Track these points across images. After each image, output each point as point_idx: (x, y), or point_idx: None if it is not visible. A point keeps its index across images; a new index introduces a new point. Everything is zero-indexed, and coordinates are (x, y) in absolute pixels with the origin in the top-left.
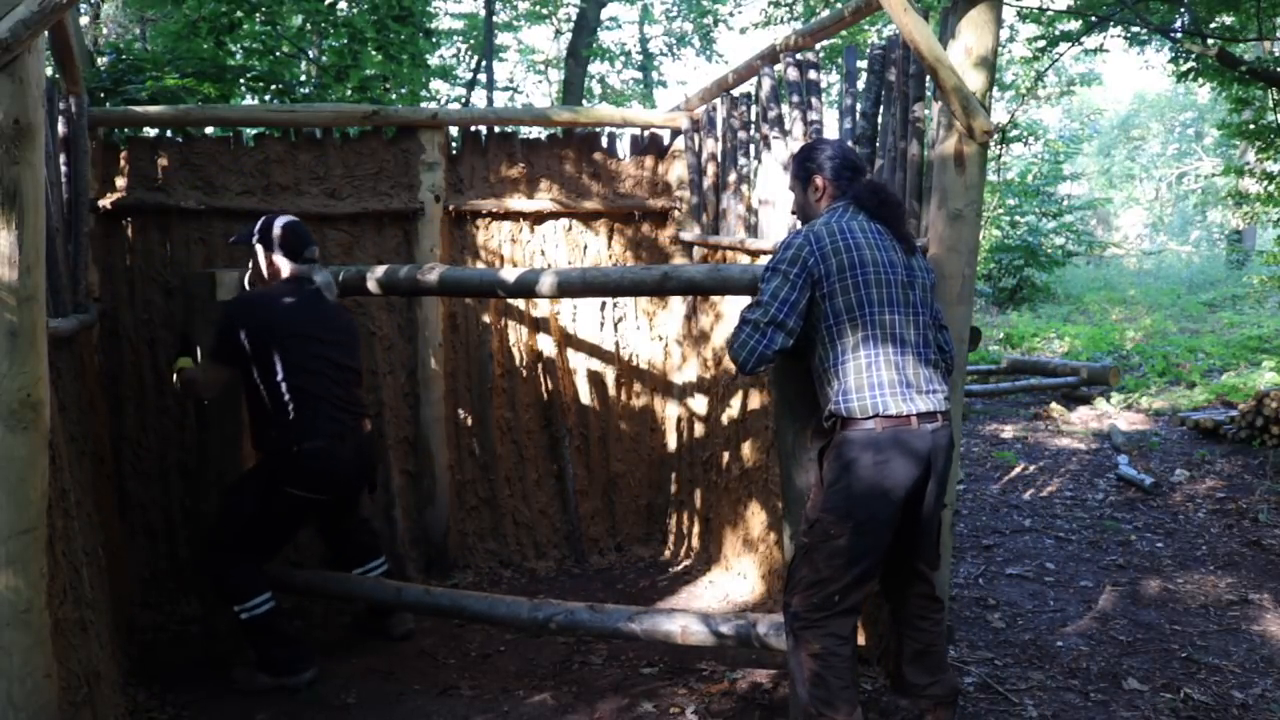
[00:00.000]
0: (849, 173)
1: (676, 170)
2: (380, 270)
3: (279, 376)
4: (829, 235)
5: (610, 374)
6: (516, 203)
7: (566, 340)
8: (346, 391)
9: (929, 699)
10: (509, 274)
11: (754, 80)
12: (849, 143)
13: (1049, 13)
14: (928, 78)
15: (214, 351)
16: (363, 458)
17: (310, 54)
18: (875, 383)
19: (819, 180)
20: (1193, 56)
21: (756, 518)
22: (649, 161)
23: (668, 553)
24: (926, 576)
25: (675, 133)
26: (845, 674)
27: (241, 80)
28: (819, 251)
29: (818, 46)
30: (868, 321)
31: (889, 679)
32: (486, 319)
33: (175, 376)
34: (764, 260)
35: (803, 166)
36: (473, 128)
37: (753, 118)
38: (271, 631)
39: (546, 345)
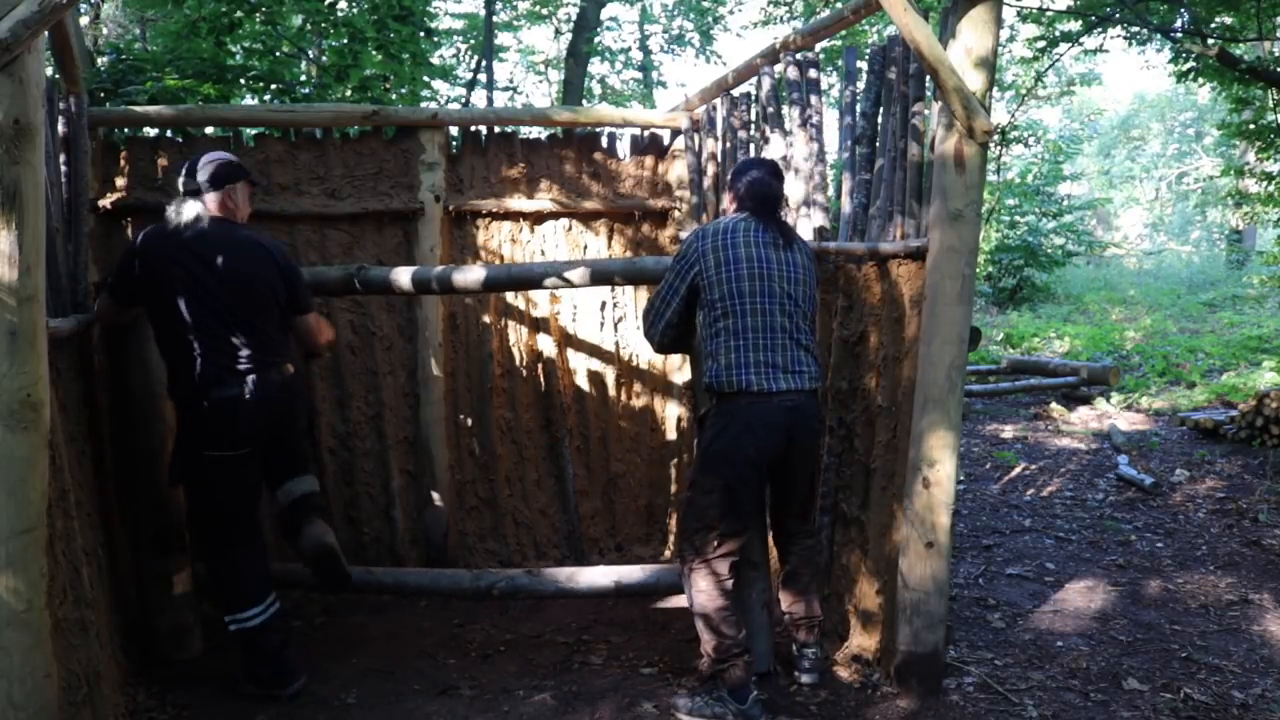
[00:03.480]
0: (753, 191)
1: (676, 170)
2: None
3: (175, 321)
4: (713, 234)
5: (610, 374)
6: (516, 203)
7: (566, 340)
8: (239, 336)
9: (791, 616)
10: (432, 271)
11: (754, 80)
12: (848, 142)
13: (1049, 13)
14: (928, 78)
15: (108, 282)
16: (276, 403)
17: (310, 54)
18: (743, 363)
19: (729, 195)
20: (1193, 56)
21: None
22: (649, 161)
23: (668, 552)
24: (800, 516)
25: (675, 133)
26: (725, 601)
27: (242, 80)
28: (701, 247)
29: (818, 46)
30: (740, 310)
31: (887, 676)
32: (486, 319)
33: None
34: None
35: (727, 182)
36: (473, 128)
37: (753, 117)
38: (257, 648)
39: (546, 345)
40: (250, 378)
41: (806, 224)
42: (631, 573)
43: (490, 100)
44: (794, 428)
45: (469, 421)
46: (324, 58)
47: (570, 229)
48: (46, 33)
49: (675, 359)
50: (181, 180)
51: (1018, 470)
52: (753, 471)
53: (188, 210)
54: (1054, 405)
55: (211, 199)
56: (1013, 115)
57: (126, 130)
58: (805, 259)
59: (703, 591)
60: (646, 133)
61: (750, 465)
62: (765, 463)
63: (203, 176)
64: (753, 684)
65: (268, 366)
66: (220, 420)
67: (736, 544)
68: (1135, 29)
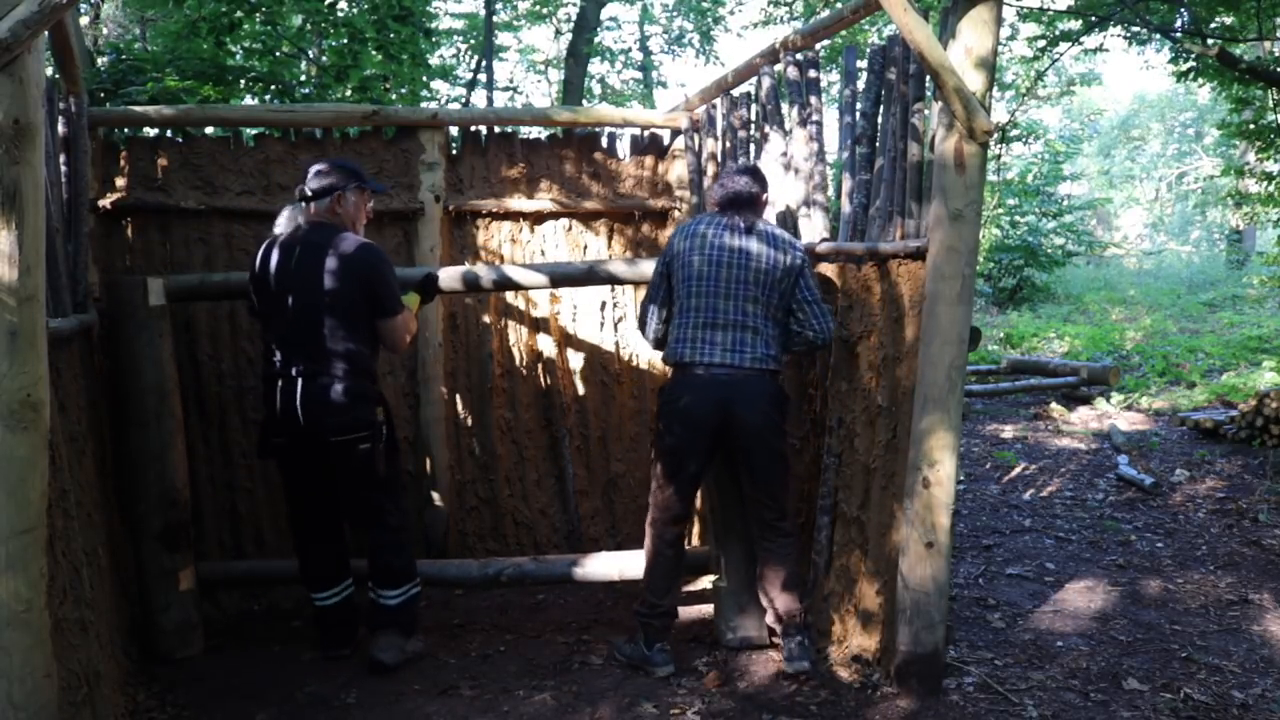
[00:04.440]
0: (725, 192)
1: (677, 170)
2: None
3: (263, 320)
4: (684, 230)
5: (610, 374)
6: (516, 203)
7: (566, 340)
8: (303, 336)
9: (774, 611)
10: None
11: (754, 80)
12: (848, 142)
13: (1049, 13)
14: (928, 77)
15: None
16: (315, 403)
17: (310, 54)
18: (684, 339)
19: (710, 201)
20: (1193, 56)
21: None
22: (649, 161)
23: None
24: (770, 506)
25: (675, 133)
26: (665, 566)
27: (242, 80)
28: (674, 241)
29: (818, 46)
30: (688, 292)
31: (887, 677)
32: (486, 319)
33: None
34: None
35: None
36: (473, 128)
37: (753, 117)
38: (318, 618)
39: (546, 345)
40: (279, 381)
41: (806, 224)
42: (635, 560)
43: (490, 100)
44: (731, 402)
45: (469, 421)
46: (324, 58)
47: (570, 229)
48: (46, 33)
49: None
50: (297, 187)
51: (1018, 470)
52: (689, 439)
53: (289, 216)
54: (1054, 405)
55: (318, 205)
56: (1013, 115)
57: (126, 130)
58: (769, 250)
59: (646, 551)
60: (646, 133)
61: (686, 432)
62: (704, 433)
63: (310, 183)
64: (659, 640)
65: (315, 374)
66: (270, 411)
67: (681, 510)
68: (1135, 29)
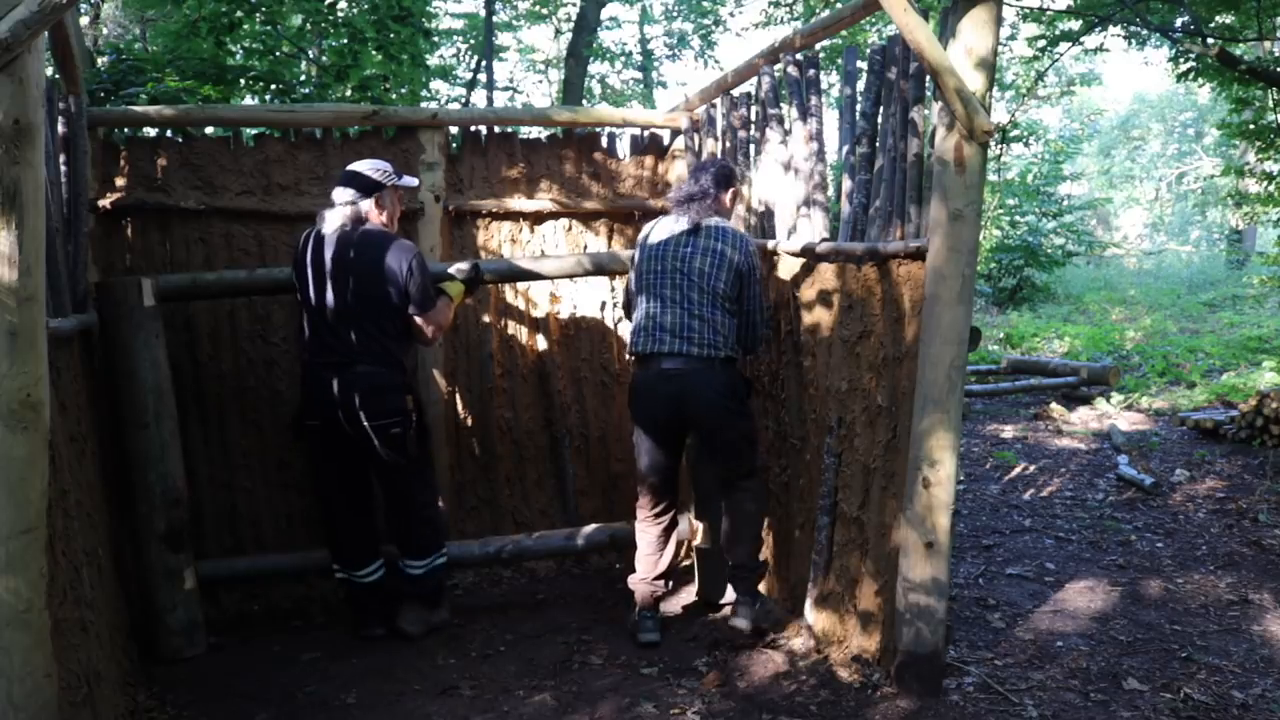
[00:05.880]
0: (681, 199)
1: (676, 170)
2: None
3: (302, 309)
4: (647, 226)
5: (610, 374)
6: (516, 203)
7: (566, 340)
8: (341, 329)
9: (728, 562)
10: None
11: (754, 80)
12: (848, 142)
13: (1049, 13)
14: (928, 77)
15: None
16: (350, 391)
17: (310, 54)
18: (640, 328)
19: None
20: (1193, 56)
21: None
22: (649, 161)
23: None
24: (736, 469)
25: (675, 133)
26: (650, 544)
27: (242, 80)
28: (641, 236)
29: (818, 46)
30: (644, 285)
31: (887, 677)
32: (486, 319)
33: None
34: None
35: None
36: (473, 128)
37: (753, 117)
38: (349, 596)
39: (546, 345)
40: (318, 370)
41: (806, 224)
42: (625, 528)
43: (490, 100)
44: (683, 393)
45: (469, 421)
46: (324, 58)
47: (570, 229)
48: (46, 33)
49: None
50: (336, 186)
51: (1018, 470)
52: (650, 428)
53: (329, 216)
54: (1054, 405)
55: (357, 205)
56: (1013, 115)
57: (126, 130)
58: (714, 244)
59: (636, 531)
60: (646, 133)
61: (646, 414)
62: (661, 422)
63: (349, 183)
64: (647, 610)
65: (351, 364)
66: (308, 396)
67: (650, 494)
68: (1135, 29)
